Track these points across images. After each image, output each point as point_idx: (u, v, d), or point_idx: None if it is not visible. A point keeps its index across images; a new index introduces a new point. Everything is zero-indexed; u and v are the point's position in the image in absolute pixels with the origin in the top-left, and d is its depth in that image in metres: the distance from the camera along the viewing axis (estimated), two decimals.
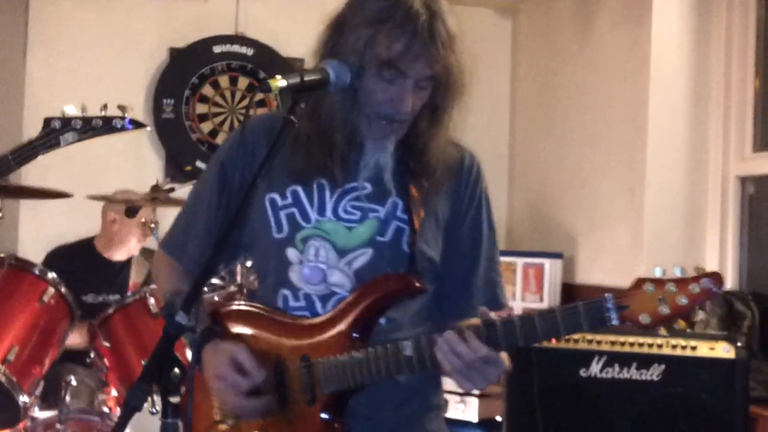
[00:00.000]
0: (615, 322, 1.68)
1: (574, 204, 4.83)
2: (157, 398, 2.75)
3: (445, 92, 1.87)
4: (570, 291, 4.68)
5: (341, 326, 1.86)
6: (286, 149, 1.91)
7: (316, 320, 1.90)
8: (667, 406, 3.15)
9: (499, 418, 3.75)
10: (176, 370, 1.48)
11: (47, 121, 2.76)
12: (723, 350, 3.09)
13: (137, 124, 2.77)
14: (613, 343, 3.20)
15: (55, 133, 2.74)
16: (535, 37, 5.30)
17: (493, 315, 1.81)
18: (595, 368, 3.16)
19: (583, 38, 4.79)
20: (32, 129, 4.70)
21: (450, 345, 1.72)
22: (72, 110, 2.75)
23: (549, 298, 4.56)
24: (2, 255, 3.30)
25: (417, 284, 1.88)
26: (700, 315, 1.68)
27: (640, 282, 1.70)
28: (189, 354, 1.98)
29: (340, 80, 1.72)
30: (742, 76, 4.16)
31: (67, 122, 2.74)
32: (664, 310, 1.67)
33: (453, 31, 1.82)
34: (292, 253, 1.94)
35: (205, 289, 3.51)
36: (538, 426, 3.26)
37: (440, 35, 1.78)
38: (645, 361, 3.15)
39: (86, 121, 2.75)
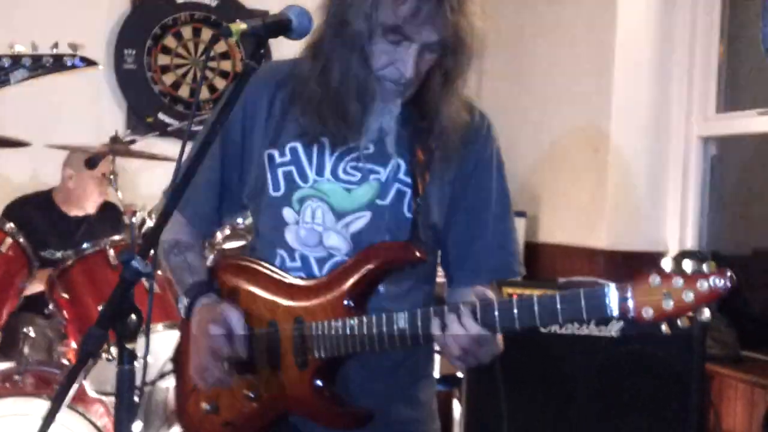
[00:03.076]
0: (615, 313, 1.60)
1: (538, 163, 4.83)
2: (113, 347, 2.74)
3: (455, 56, 1.81)
4: (533, 250, 4.70)
5: (337, 292, 1.82)
6: (289, 105, 1.89)
7: (313, 282, 1.87)
8: (625, 363, 3.19)
9: (460, 375, 3.77)
10: (133, 316, 1.45)
11: None
12: None
13: (89, 62, 2.70)
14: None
15: (3, 70, 2.65)
16: None
17: (490, 294, 1.78)
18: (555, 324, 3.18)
19: None
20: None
21: (446, 323, 1.69)
22: (21, 48, 2.67)
23: None
24: None
25: (417, 254, 1.82)
26: (706, 313, 1.56)
27: (646, 273, 1.60)
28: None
29: (302, 26, 1.67)
30: (707, 36, 4.17)
31: (16, 60, 2.65)
32: (668, 305, 1.57)
33: None
34: (288, 212, 1.90)
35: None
36: (499, 382, 3.28)
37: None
38: None
39: (36, 58, 2.67)
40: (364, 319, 1.77)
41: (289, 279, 1.89)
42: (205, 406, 1.94)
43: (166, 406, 3.62)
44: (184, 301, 1.93)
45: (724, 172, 4.23)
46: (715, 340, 3.62)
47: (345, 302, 1.82)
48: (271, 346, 1.86)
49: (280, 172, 1.91)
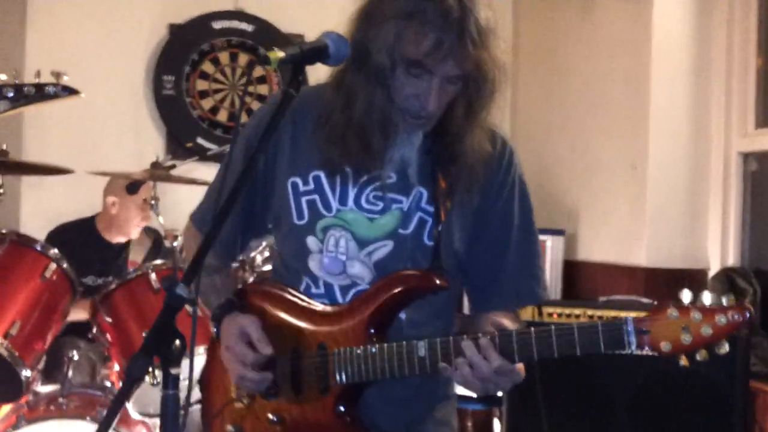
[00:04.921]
0: (633, 346, 1.62)
1: (576, 180, 4.82)
2: (158, 371, 2.77)
3: (477, 88, 1.81)
4: (572, 268, 4.68)
5: (359, 319, 1.85)
6: (312, 133, 1.90)
7: (336, 309, 1.90)
8: (666, 381, 3.16)
9: (499, 393, 3.75)
10: (177, 341, 1.47)
11: None
12: None
13: (71, 91, 2.70)
14: (614, 318, 3.21)
15: None
16: (537, 9, 5.27)
17: (507, 323, 1.79)
18: None
19: (586, 11, 4.77)
20: (29, 106, 4.74)
21: (467, 355, 1.71)
22: (2, 77, 2.66)
23: (551, 275, 4.56)
24: (4, 231, 3.30)
25: (438, 282, 1.84)
26: (726, 347, 1.60)
27: (664, 306, 1.63)
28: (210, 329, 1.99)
29: (339, 52, 1.69)
30: (744, 51, 4.14)
31: None
32: (686, 339, 1.60)
33: (486, 26, 1.75)
34: (312, 241, 1.93)
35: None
36: (539, 401, 3.27)
37: (470, 34, 1.72)
38: None
39: (18, 88, 2.67)
40: (385, 347, 1.80)
41: (313, 305, 1.92)
42: (229, 428, 1.98)
43: None
44: (211, 324, 1.96)
45: (764, 187, 4.19)
46: (759, 358, 3.57)
47: (366, 329, 1.84)
48: (294, 371, 1.89)
49: (303, 200, 1.93)
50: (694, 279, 4.10)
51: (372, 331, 1.84)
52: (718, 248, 4.19)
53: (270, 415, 1.91)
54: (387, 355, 1.79)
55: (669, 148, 4.23)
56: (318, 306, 1.92)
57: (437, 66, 1.74)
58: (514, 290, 1.98)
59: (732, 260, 4.14)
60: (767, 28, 4.11)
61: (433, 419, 2.01)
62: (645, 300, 3.67)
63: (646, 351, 1.63)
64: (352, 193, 1.90)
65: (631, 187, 4.34)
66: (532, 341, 1.68)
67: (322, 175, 1.92)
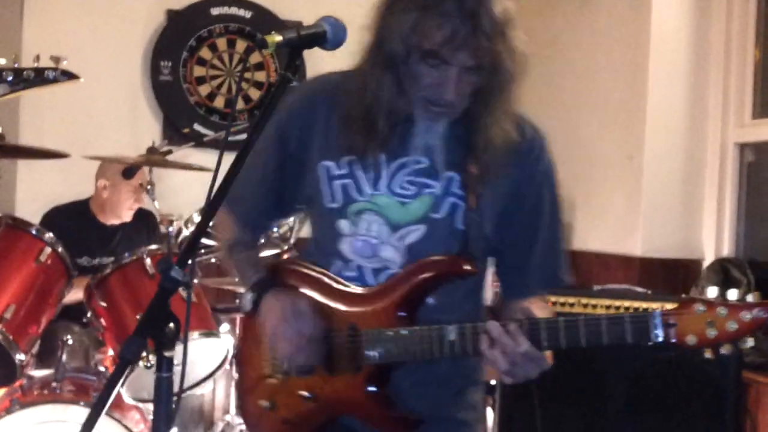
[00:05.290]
0: (660, 339, 1.67)
1: (572, 170, 4.79)
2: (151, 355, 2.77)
3: (496, 79, 1.83)
4: (568, 257, 4.67)
5: (389, 301, 1.88)
6: (342, 118, 1.92)
7: (367, 291, 1.93)
8: (660, 370, 3.17)
9: (493, 382, 3.76)
10: (171, 324, 1.47)
11: None
12: None
13: (70, 75, 2.70)
14: (608, 307, 3.22)
15: None
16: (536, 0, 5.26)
17: (537, 311, 1.83)
18: None
19: (584, 2, 4.76)
20: (28, 90, 4.73)
21: (495, 337, 1.74)
22: (2, 61, 2.66)
23: None
24: None
25: (468, 267, 1.87)
26: (750, 342, 1.65)
27: (690, 301, 1.67)
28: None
29: (337, 37, 1.70)
30: (742, 42, 4.15)
31: None
32: (712, 333, 1.65)
33: (502, 18, 1.78)
34: (344, 224, 1.95)
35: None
36: (533, 390, 3.28)
37: (485, 26, 1.74)
38: None
39: (17, 72, 2.67)
40: (416, 329, 1.84)
41: (344, 286, 1.95)
42: (263, 403, 2.01)
43: (201, 412, 3.66)
44: (248, 296, 1.97)
45: (760, 178, 4.19)
46: (752, 348, 3.58)
47: (396, 312, 1.88)
48: (327, 349, 1.92)
49: (336, 184, 1.95)
50: (689, 269, 4.10)
51: (402, 313, 1.87)
52: (713, 238, 4.19)
53: (303, 392, 1.94)
54: (417, 338, 1.83)
55: (666, 139, 4.24)
56: (349, 287, 1.95)
57: (453, 56, 1.77)
58: (541, 276, 2.02)
59: (727, 251, 4.14)
60: (766, 19, 4.11)
61: (463, 403, 2.05)
62: (639, 289, 3.67)
63: (674, 342, 1.67)
64: (385, 178, 1.93)
65: (627, 178, 4.35)
66: (560, 331, 1.73)
67: (355, 159, 1.94)
